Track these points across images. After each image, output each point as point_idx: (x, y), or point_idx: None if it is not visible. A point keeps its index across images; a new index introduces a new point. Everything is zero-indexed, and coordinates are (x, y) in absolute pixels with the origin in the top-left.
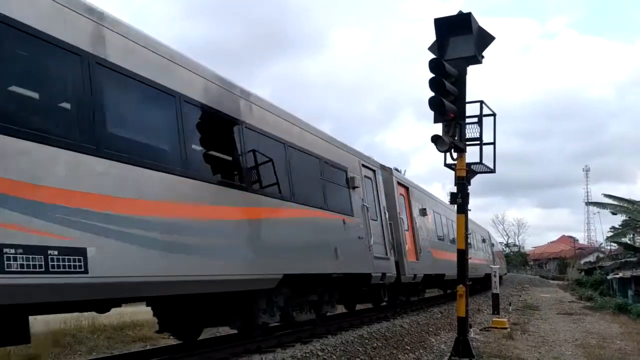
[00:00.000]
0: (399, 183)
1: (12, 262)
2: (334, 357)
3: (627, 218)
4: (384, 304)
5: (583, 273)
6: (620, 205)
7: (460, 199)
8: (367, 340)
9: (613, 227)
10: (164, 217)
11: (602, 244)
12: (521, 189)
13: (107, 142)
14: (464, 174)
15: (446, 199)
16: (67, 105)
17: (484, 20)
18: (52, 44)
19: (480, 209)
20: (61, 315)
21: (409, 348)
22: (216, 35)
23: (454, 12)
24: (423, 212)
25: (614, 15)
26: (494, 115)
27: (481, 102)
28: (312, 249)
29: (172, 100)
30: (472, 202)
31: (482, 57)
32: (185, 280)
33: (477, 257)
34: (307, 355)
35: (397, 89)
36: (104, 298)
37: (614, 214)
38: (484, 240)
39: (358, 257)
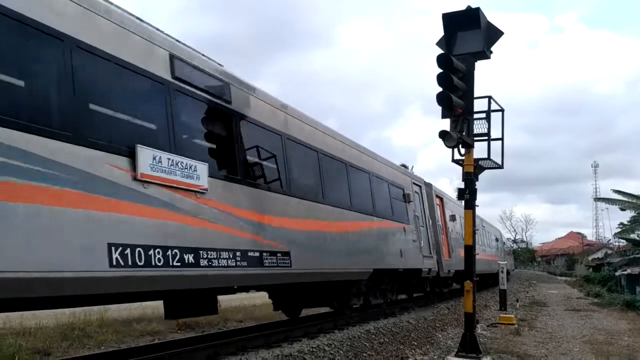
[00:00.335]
0: (436, 195)
1: (265, 260)
2: (341, 352)
3: (635, 214)
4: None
5: (591, 269)
6: (629, 201)
7: (467, 194)
8: (373, 336)
9: (621, 224)
10: (317, 230)
11: (610, 240)
12: (529, 184)
13: (302, 192)
14: (471, 169)
15: (454, 194)
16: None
17: (492, 16)
18: None
19: (487, 205)
20: (69, 310)
21: (415, 343)
22: (224, 30)
23: (463, 7)
24: (453, 218)
25: (623, 10)
26: (502, 110)
27: (489, 97)
28: (389, 250)
29: (314, 155)
30: (480, 198)
31: (491, 52)
32: (326, 272)
33: (491, 255)
34: (314, 349)
35: (404, 84)
36: (301, 282)
37: (622, 209)
38: (497, 239)
39: (413, 256)
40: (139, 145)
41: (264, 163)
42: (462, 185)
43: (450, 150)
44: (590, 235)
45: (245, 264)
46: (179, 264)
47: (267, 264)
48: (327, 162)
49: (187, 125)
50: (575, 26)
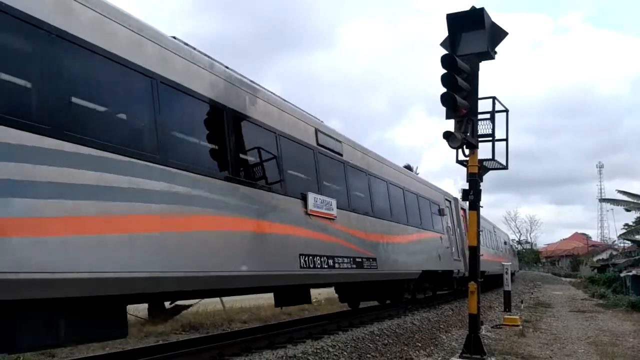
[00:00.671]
0: (461, 207)
1: (365, 264)
2: (345, 353)
3: None
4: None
5: (596, 270)
6: (634, 201)
7: (472, 195)
8: (377, 337)
9: (626, 225)
10: (389, 242)
11: (615, 241)
12: (534, 185)
13: (381, 213)
14: (476, 170)
15: (458, 195)
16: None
17: (496, 16)
18: None
19: (492, 206)
20: None
21: (419, 345)
22: (226, 30)
23: (466, 7)
24: None
25: (629, 9)
26: (506, 111)
27: (494, 98)
28: (431, 256)
29: (384, 185)
30: (484, 199)
31: (495, 52)
32: (395, 272)
33: (499, 257)
34: (318, 351)
35: (407, 84)
36: (384, 280)
37: (627, 210)
38: (505, 243)
39: (447, 260)
40: (309, 192)
41: (361, 195)
42: (466, 186)
43: (455, 151)
44: (595, 236)
45: (354, 266)
46: (326, 266)
47: (365, 267)
48: (394, 190)
49: (325, 174)
50: (580, 26)
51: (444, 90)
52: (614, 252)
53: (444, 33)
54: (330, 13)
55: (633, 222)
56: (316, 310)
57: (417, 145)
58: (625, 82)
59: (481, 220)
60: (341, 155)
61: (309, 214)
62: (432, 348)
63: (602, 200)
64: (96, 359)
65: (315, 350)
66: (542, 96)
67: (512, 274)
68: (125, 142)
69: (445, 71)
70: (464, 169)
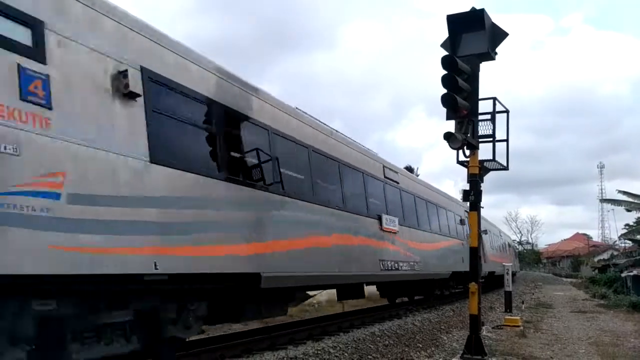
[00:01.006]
0: None
1: (415, 266)
2: (346, 354)
3: None
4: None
5: (597, 271)
6: (635, 202)
7: (472, 196)
8: (378, 338)
9: (627, 225)
10: (428, 249)
11: (616, 241)
12: (534, 186)
13: (425, 226)
14: (476, 171)
15: (458, 196)
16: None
17: (496, 17)
18: None
19: (493, 206)
20: None
21: (420, 346)
22: (227, 31)
23: (466, 8)
24: (485, 232)
25: (629, 10)
26: (506, 112)
27: (494, 98)
28: (457, 259)
29: (424, 202)
30: (485, 199)
31: (495, 53)
32: (432, 272)
33: (504, 258)
34: (319, 352)
35: (408, 85)
36: (424, 279)
37: (628, 210)
38: (509, 245)
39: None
40: (383, 213)
41: (411, 212)
42: (466, 187)
43: (455, 151)
44: (596, 236)
45: (409, 268)
46: (394, 268)
47: (416, 269)
48: (431, 206)
49: (389, 198)
50: (581, 27)
51: (445, 91)
52: (615, 253)
53: (444, 34)
54: (332, 14)
55: (634, 222)
56: (317, 311)
57: (418, 146)
58: (626, 82)
59: (489, 225)
60: (398, 183)
61: (383, 230)
62: (433, 349)
63: (603, 200)
64: None
65: (316, 352)
66: (543, 96)
67: (513, 275)
68: (325, 200)
69: (445, 72)
70: (465, 170)
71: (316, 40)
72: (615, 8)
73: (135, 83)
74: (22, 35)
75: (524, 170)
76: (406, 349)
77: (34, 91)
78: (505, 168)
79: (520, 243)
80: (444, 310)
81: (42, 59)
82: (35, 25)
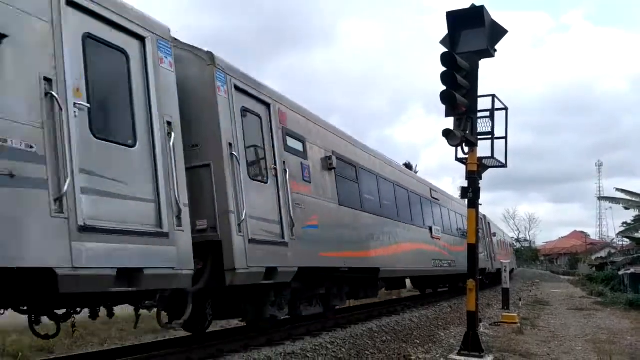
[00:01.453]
0: (487, 222)
1: (452, 264)
2: (343, 350)
3: (639, 213)
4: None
5: (594, 268)
6: (632, 200)
7: (471, 193)
8: (376, 334)
9: (625, 223)
10: (458, 250)
11: (613, 239)
12: (533, 183)
13: (458, 232)
14: (475, 168)
15: (456, 194)
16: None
17: (496, 14)
18: None
19: (491, 204)
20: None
21: (418, 342)
22: (226, 27)
23: (466, 5)
24: (494, 234)
25: (629, 7)
26: (505, 109)
27: (493, 96)
28: (481, 257)
29: (454, 214)
30: (483, 197)
31: (495, 50)
32: (461, 269)
33: (507, 257)
34: (317, 347)
35: (407, 82)
36: (456, 274)
37: (626, 208)
38: (511, 245)
39: (484, 260)
40: (433, 225)
41: (447, 221)
42: (465, 184)
43: (454, 148)
44: (593, 234)
45: (448, 266)
46: (439, 266)
47: (452, 266)
48: (458, 217)
49: (435, 212)
50: (581, 24)
51: (444, 88)
52: (613, 250)
53: (444, 30)
54: (331, 10)
55: (632, 220)
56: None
57: (416, 142)
58: (625, 80)
59: (493, 228)
60: (438, 200)
61: (433, 237)
62: (430, 345)
63: (601, 198)
64: (93, 356)
65: (313, 347)
66: (542, 94)
67: (511, 272)
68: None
69: (445, 69)
70: (463, 167)
71: (316, 37)
72: (614, 5)
73: (332, 162)
74: (301, 146)
75: (523, 168)
76: (404, 345)
77: (306, 174)
78: (504, 165)
79: (518, 240)
80: (441, 307)
81: (305, 157)
82: (303, 141)
